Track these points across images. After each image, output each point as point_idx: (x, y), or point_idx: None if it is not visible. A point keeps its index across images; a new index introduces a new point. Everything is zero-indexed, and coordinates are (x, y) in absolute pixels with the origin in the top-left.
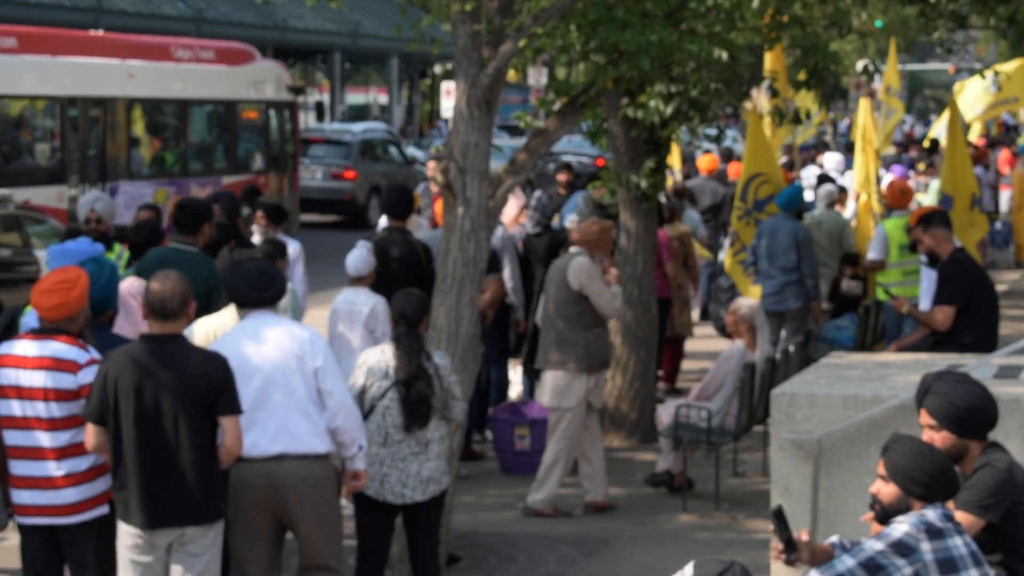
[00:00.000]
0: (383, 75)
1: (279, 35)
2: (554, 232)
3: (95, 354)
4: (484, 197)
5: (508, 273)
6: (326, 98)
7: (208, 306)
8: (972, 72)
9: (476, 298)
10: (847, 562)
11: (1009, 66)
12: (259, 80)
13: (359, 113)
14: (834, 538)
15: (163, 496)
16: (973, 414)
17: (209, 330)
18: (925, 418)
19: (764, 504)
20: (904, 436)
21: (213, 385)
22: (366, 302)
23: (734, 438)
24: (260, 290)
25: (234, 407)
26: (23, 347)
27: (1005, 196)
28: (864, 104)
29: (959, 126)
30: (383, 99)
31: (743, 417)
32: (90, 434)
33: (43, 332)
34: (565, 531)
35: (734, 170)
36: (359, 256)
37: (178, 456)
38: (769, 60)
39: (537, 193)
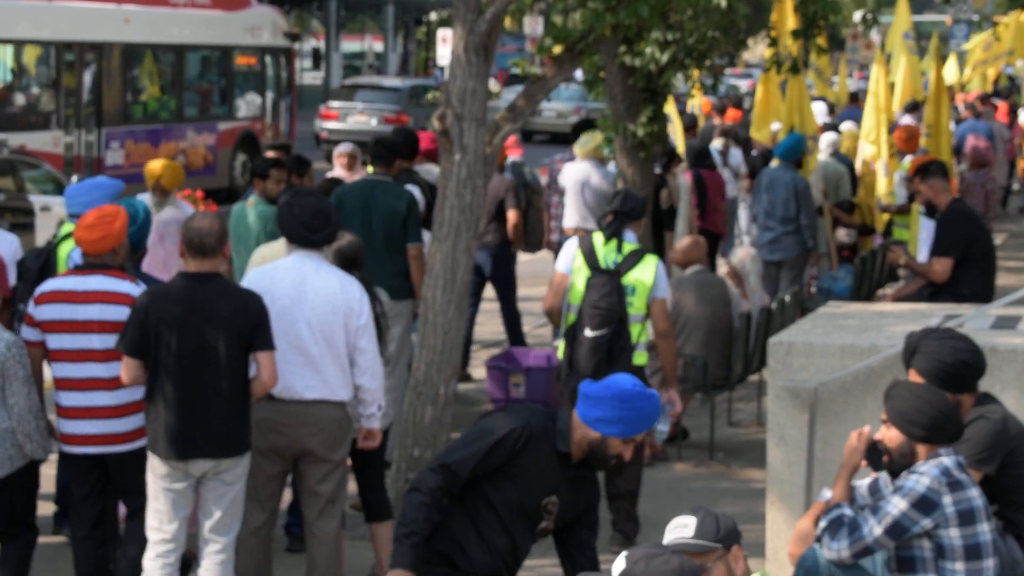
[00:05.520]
0: (379, 22)
1: None
2: None
3: (144, 287)
4: (481, 144)
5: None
6: (322, 45)
7: (404, 232)
8: (970, 24)
9: (472, 245)
10: (874, 530)
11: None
12: (255, 26)
13: (353, 61)
14: (827, 492)
15: (199, 429)
16: (963, 368)
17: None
18: (915, 377)
19: (759, 454)
20: (903, 382)
21: (251, 321)
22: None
23: (729, 387)
24: (312, 231)
25: (270, 343)
26: (71, 283)
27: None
28: (878, 55)
29: (943, 79)
30: (378, 47)
31: (738, 366)
32: (128, 367)
33: (89, 267)
34: None
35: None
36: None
37: (218, 390)
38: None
39: None
